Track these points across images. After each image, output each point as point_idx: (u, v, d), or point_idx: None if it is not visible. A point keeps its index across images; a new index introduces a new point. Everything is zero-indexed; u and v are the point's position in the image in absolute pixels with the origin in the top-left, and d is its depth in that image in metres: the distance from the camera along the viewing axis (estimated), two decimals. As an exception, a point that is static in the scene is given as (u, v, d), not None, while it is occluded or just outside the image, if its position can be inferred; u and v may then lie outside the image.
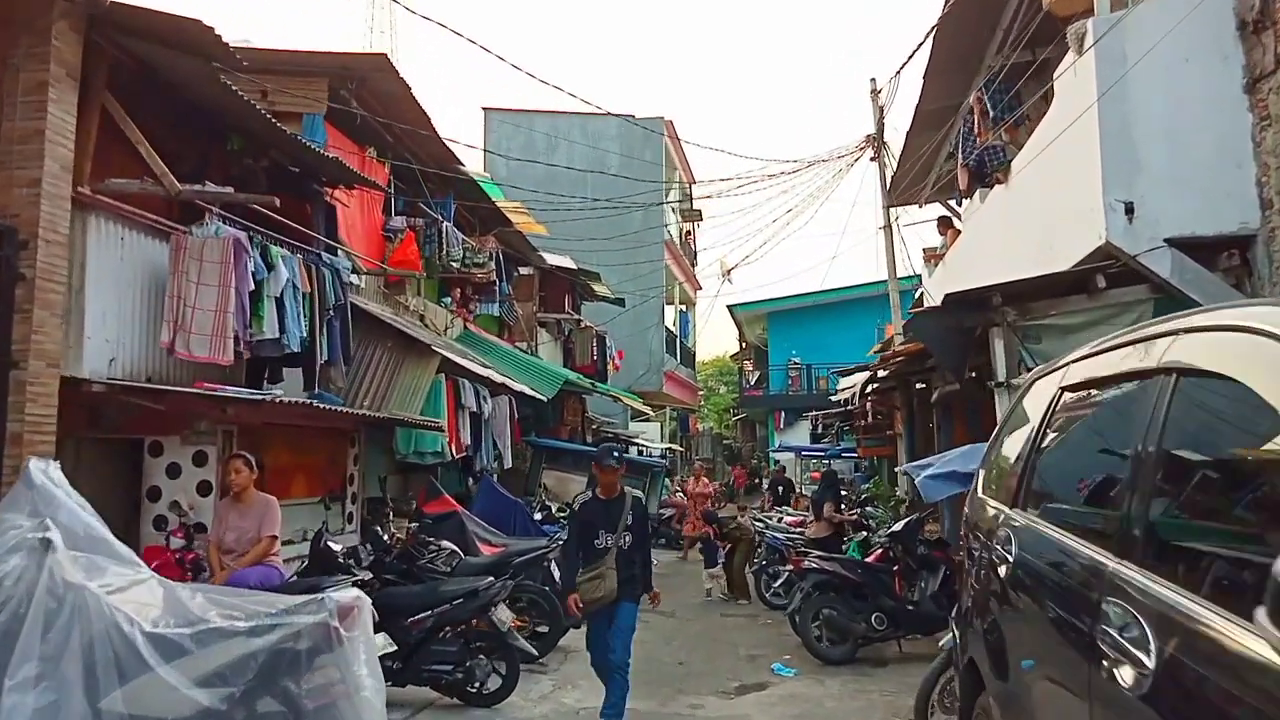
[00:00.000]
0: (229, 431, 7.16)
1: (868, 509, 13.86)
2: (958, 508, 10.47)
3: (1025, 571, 2.96)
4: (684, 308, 34.29)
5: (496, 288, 15.38)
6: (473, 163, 24.51)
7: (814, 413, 23.18)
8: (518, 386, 12.51)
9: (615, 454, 6.24)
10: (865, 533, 10.97)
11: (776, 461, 32.27)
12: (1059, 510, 2.92)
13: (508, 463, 12.42)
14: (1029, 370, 7.59)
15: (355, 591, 4.38)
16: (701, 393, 49.53)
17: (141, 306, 6.98)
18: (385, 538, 8.15)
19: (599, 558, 5.90)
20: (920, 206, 17.19)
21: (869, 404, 14.36)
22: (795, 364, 33.37)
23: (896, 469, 9.87)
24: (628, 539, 5.98)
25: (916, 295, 18.61)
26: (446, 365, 10.04)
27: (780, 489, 18.11)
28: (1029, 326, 7.58)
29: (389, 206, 11.69)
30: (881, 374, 12.31)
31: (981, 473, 4.29)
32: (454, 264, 12.35)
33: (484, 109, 29.61)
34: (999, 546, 3.27)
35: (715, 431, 44.68)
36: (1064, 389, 3.25)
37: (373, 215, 11.25)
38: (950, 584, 9.07)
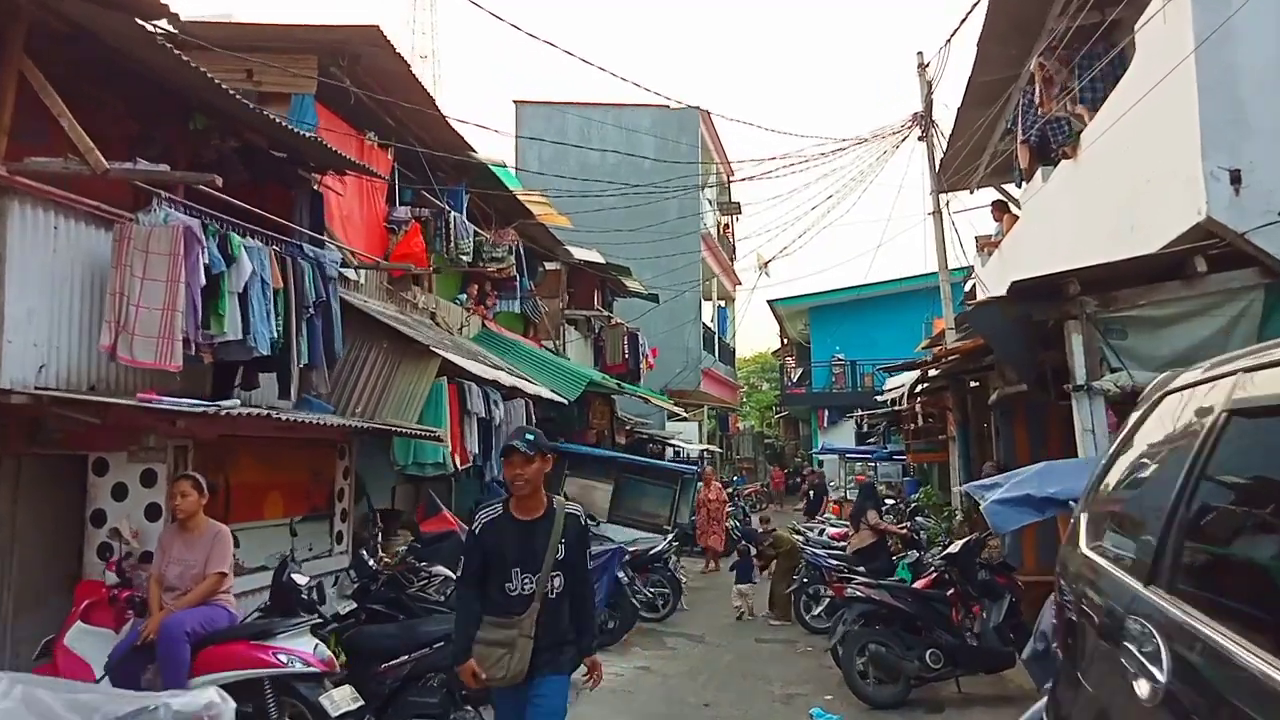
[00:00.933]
0: (182, 447, 6.24)
1: (918, 519, 12.65)
2: (1024, 529, 9.26)
3: (1197, 704, 1.85)
4: (722, 303, 33.12)
5: (517, 283, 14.41)
6: (504, 159, 23.70)
7: (859, 412, 21.93)
8: (534, 389, 11.51)
9: (529, 437, 4.00)
10: (916, 552, 9.78)
11: (820, 462, 31.02)
12: (1253, 618, 1.80)
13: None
14: (1112, 371, 6.40)
15: (211, 694, 3.36)
16: (743, 389, 48.36)
17: (81, 306, 6.09)
18: (371, 562, 7.20)
19: (509, 611, 3.89)
20: (972, 192, 15.87)
21: (918, 405, 13.14)
22: (839, 360, 32.05)
23: (959, 487, 8.69)
24: (558, 583, 3.95)
25: (967, 288, 17.30)
26: (450, 368, 9.07)
27: (812, 494, 16.82)
28: (1113, 319, 6.39)
29: (393, 196, 10.77)
30: (932, 373, 11.10)
31: (1083, 516, 3.15)
32: (463, 257, 11.38)
33: (515, 102, 28.75)
34: (1133, 647, 2.16)
35: (757, 430, 43.42)
36: (1233, 412, 2.13)
37: (374, 206, 10.33)
38: (1016, 614, 7.90)
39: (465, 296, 13.30)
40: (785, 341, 38.51)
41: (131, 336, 5.93)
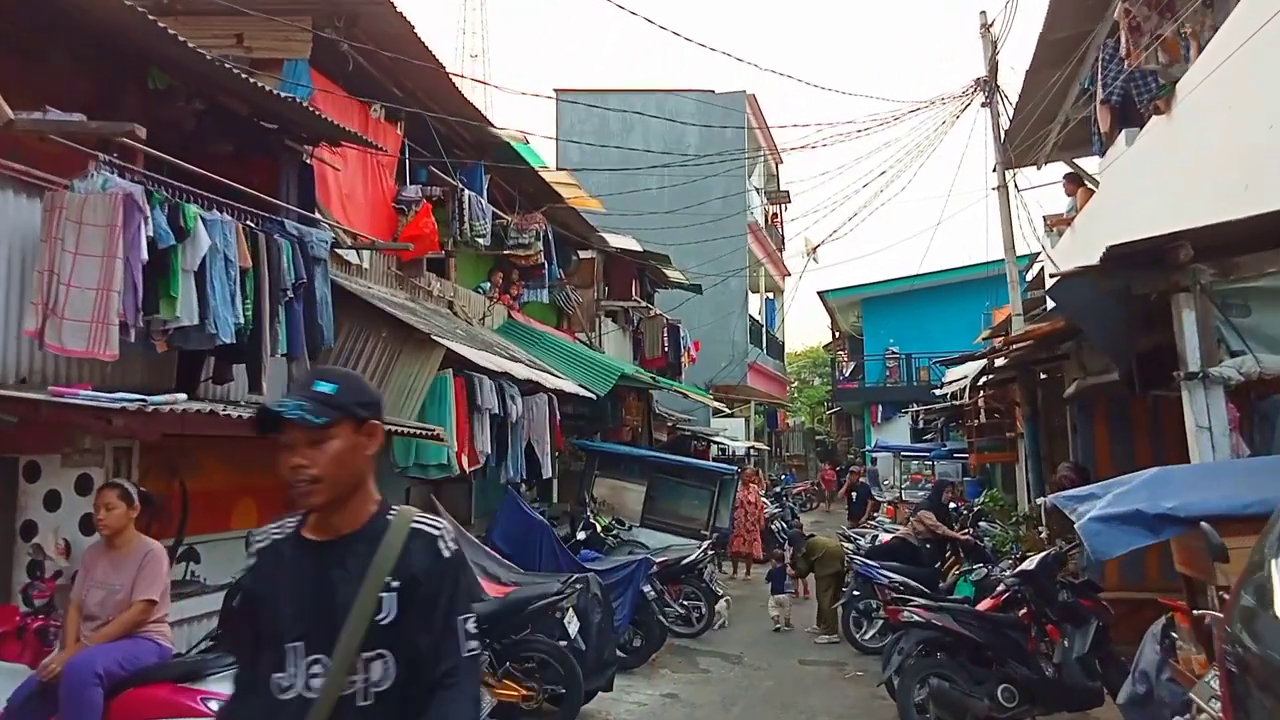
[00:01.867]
0: (124, 449, 5.38)
1: (981, 524, 11.39)
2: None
3: None
4: (770, 295, 31.85)
5: (545, 271, 13.45)
6: (547, 153, 22.83)
7: (915, 407, 20.58)
8: (556, 383, 10.54)
9: (320, 388, 2.06)
10: (985, 566, 8.58)
11: (873, 460, 29.61)
12: None
13: (547, 472, 10.49)
14: (1233, 354, 5.18)
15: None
16: (794, 384, 46.94)
17: (9, 286, 5.27)
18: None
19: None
20: (1040, 168, 14.50)
21: (981, 400, 11.86)
22: (893, 354, 30.59)
23: (1044, 499, 7.46)
24: (379, 674, 1.96)
25: (1030, 275, 15.88)
26: (456, 360, 8.13)
27: (855, 496, 15.47)
28: (1233, 291, 5.17)
29: (404, 175, 9.87)
30: (999, 362, 9.86)
31: (1274, 566, 2.05)
32: (480, 240, 10.42)
33: (555, 90, 27.78)
34: None
35: (807, 426, 42.02)
36: None
37: (380, 184, 9.44)
38: (1104, 643, 6.70)
39: (489, 285, 12.38)
40: (837, 335, 37.07)
41: (61, 320, 5.07)
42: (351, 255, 8.76)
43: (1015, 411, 11.11)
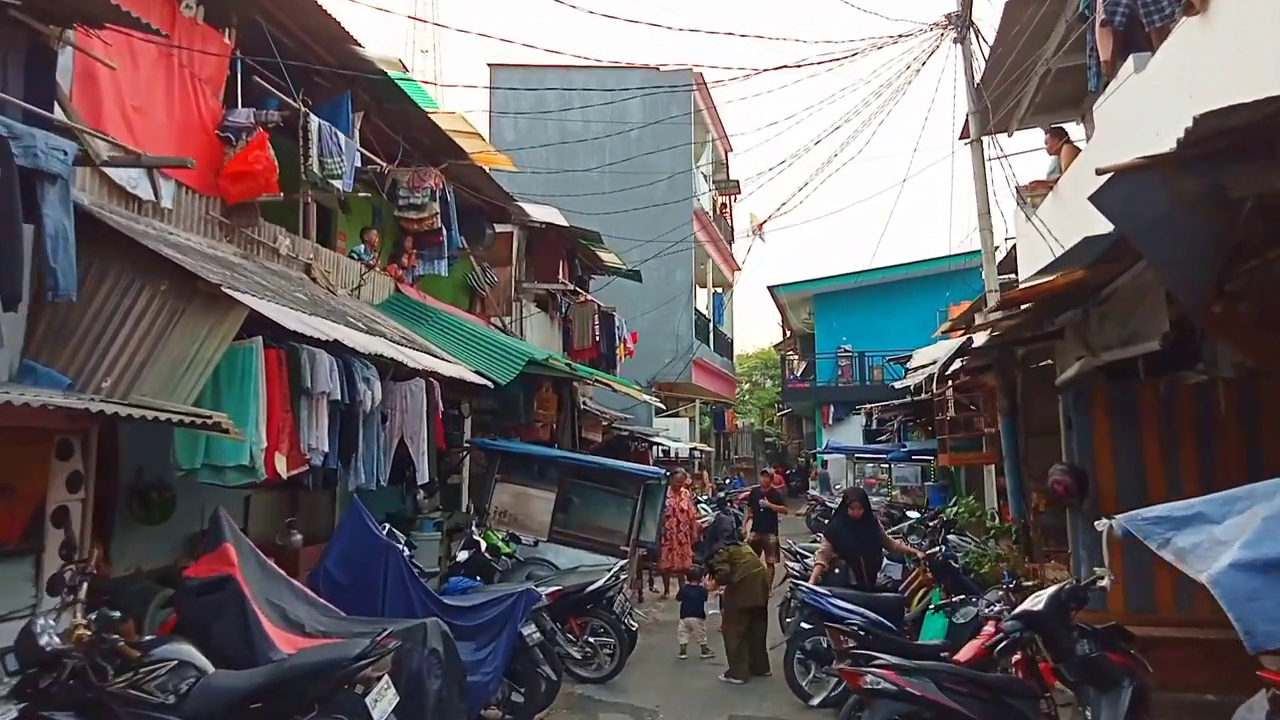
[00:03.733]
0: None
1: (950, 538, 9.45)
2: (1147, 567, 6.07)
3: None
4: (719, 290, 29.91)
5: (444, 239, 11.27)
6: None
7: (869, 405, 18.72)
8: (438, 367, 8.38)
9: None
10: (970, 601, 6.61)
11: (823, 463, 27.80)
12: None
13: (423, 475, 8.32)
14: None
15: None
16: (744, 386, 45.11)
17: None
18: (46, 639, 4.07)
19: None
20: (1011, 134, 12.68)
21: (950, 393, 9.94)
22: (845, 352, 28.86)
23: (1107, 521, 5.44)
24: None
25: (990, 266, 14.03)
26: (274, 328, 5.94)
27: (763, 506, 12.80)
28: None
29: (235, 96, 7.65)
30: (979, 340, 7.90)
31: None
32: (335, 182, 8.21)
33: (489, 65, 25.60)
34: None
35: (757, 428, 40.21)
36: None
37: (196, 103, 7.20)
38: (1141, 710, 4.75)
39: (363, 248, 10.17)
40: (788, 333, 35.31)
41: None
42: (144, 189, 6.52)
43: (992, 404, 9.18)
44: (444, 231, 11.17)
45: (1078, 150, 9.83)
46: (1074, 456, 7.75)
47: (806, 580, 8.20)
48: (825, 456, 27.38)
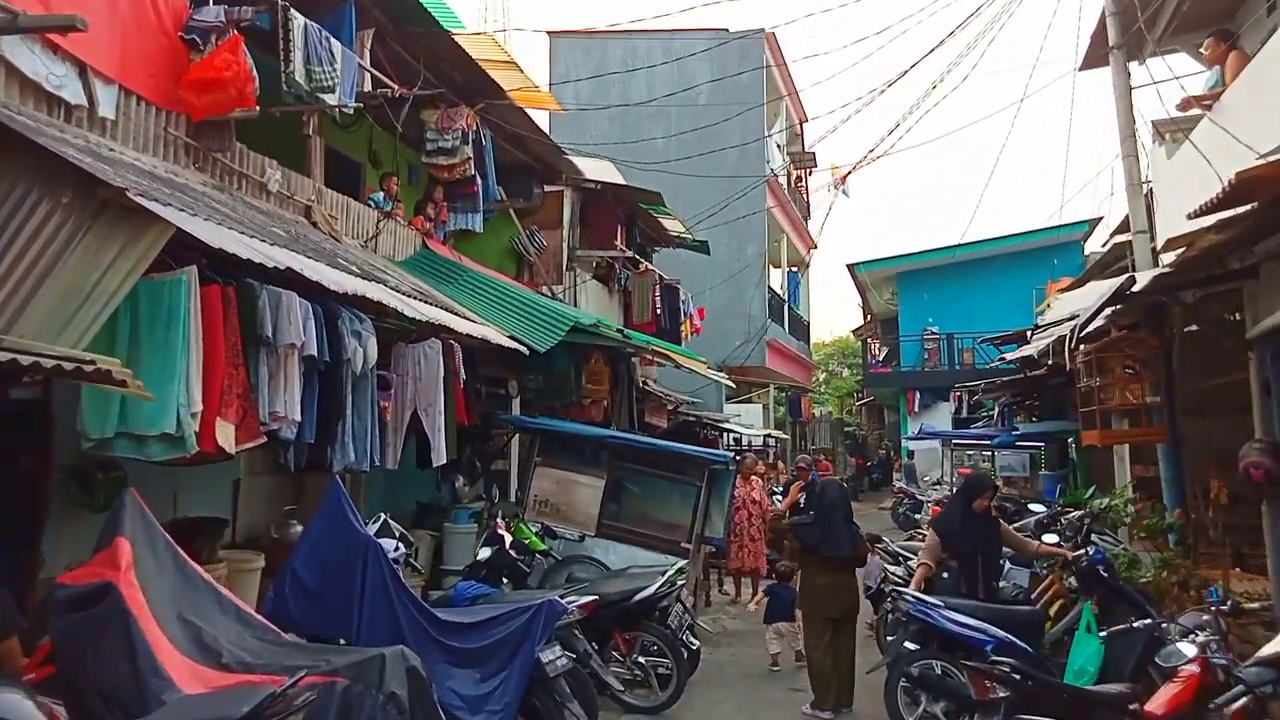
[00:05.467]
0: None
1: (1094, 539, 7.53)
2: None
3: None
4: (794, 269, 27.99)
5: (479, 189, 9.82)
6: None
7: (970, 384, 16.63)
8: (463, 327, 6.89)
9: None
10: (1155, 623, 4.80)
11: (909, 453, 25.68)
12: None
13: (440, 456, 6.83)
14: None
15: None
16: (822, 376, 42.95)
17: None
18: None
19: None
20: (1142, 62, 10.58)
21: (1081, 360, 7.94)
22: (932, 334, 26.66)
23: (1274, 505, 3.57)
24: None
25: (1102, 245, 12.04)
26: (224, 259, 4.51)
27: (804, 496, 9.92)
28: None
29: (206, -3, 6.26)
30: (1141, 283, 5.98)
31: None
32: (325, 96, 6.74)
33: (549, 33, 24.20)
34: None
35: (836, 417, 38.08)
36: None
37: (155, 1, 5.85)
38: None
39: (382, 196, 8.77)
40: (868, 317, 33.11)
41: None
42: (71, 91, 5.16)
43: (1136, 372, 7.18)
44: (478, 180, 9.71)
45: (1247, 57, 7.84)
46: (1276, 432, 5.84)
47: (907, 591, 6.46)
48: (912, 446, 25.29)
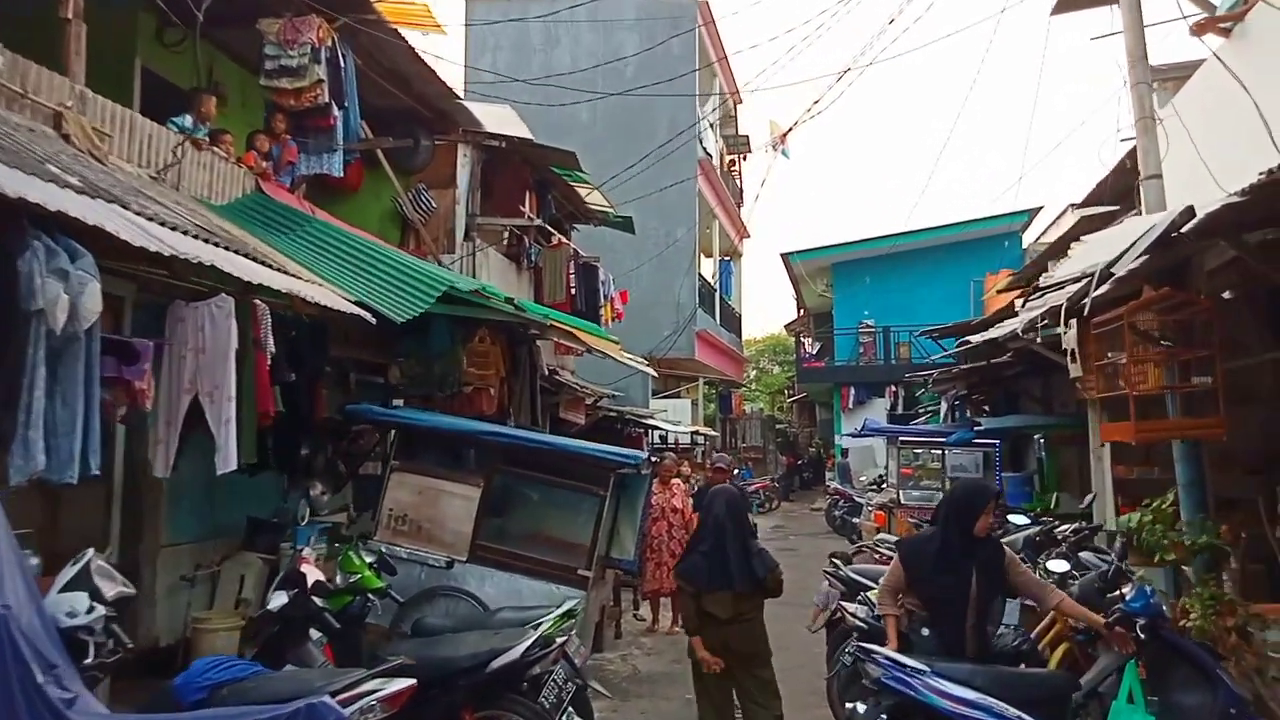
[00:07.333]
0: None
1: (1084, 555, 5.86)
2: None
3: None
4: (726, 258, 26.34)
5: (336, 123, 7.75)
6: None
7: (922, 374, 15.02)
8: (299, 289, 4.86)
9: None
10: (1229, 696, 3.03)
11: (843, 451, 24.25)
12: None
13: (229, 461, 4.77)
14: None
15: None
16: (752, 373, 41.53)
17: None
18: None
19: None
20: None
21: (1106, 327, 6.09)
22: (867, 328, 25.29)
23: None
24: None
25: (1038, 239, 10.43)
26: None
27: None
28: None
29: None
30: (1194, 220, 4.26)
31: None
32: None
33: (464, -5, 22.01)
34: None
35: (767, 414, 36.67)
36: None
37: None
38: None
39: (189, 119, 6.63)
40: (802, 311, 31.72)
41: None
42: None
43: (1214, 335, 5.29)
44: (335, 111, 7.64)
45: (1276, -29, 6.26)
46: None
47: (878, 640, 4.66)
48: (846, 443, 23.87)
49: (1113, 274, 4.50)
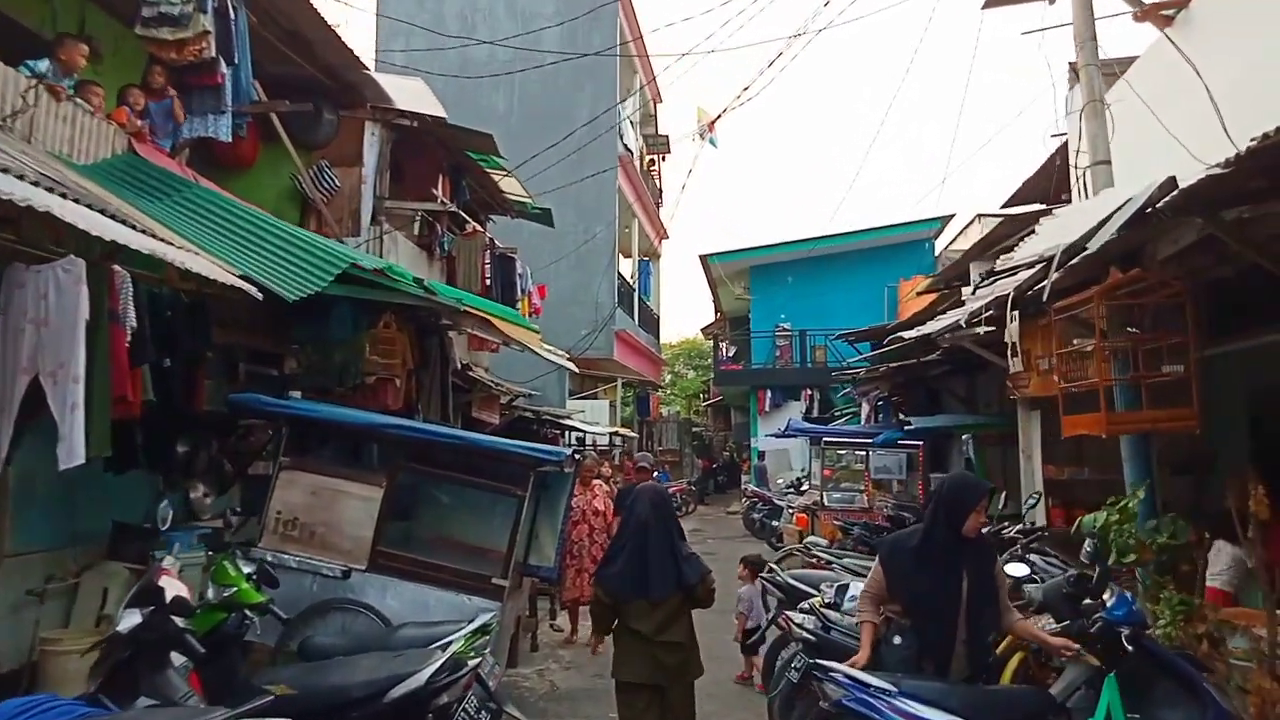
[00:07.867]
0: None
1: (1032, 559, 5.54)
2: None
3: None
4: (645, 258, 25.91)
5: (224, 82, 6.91)
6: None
7: (849, 372, 14.70)
8: (170, 254, 4.08)
9: None
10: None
11: (760, 454, 24.08)
12: None
13: (74, 450, 4.00)
14: None
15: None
16: (669, 377, 41.24)
17: None
18: None
19: None
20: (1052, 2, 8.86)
21: (1064, 314, 5.75)
22: (784, 331, 25.21)
23: None
24: None
25: (949, 245, 10.47)
26: None
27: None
28: None
29: None
30: (1181, 188, 3.94)
31: None
32: None
33: (378, -21, 21.00)
34: None
35: (684, 417, 36.41)
36: None
37: None
38: None
39: (46, 63, 5.73)
40: (719, 314, 31.55)
41: None
42: None
43: (1185, 319, 4.96)
44: (223, 68, 6.80)
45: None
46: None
47: (830, 653, 4.18)
48: (763, 446, 23.73)
49: (1085, 249, 4.14)
